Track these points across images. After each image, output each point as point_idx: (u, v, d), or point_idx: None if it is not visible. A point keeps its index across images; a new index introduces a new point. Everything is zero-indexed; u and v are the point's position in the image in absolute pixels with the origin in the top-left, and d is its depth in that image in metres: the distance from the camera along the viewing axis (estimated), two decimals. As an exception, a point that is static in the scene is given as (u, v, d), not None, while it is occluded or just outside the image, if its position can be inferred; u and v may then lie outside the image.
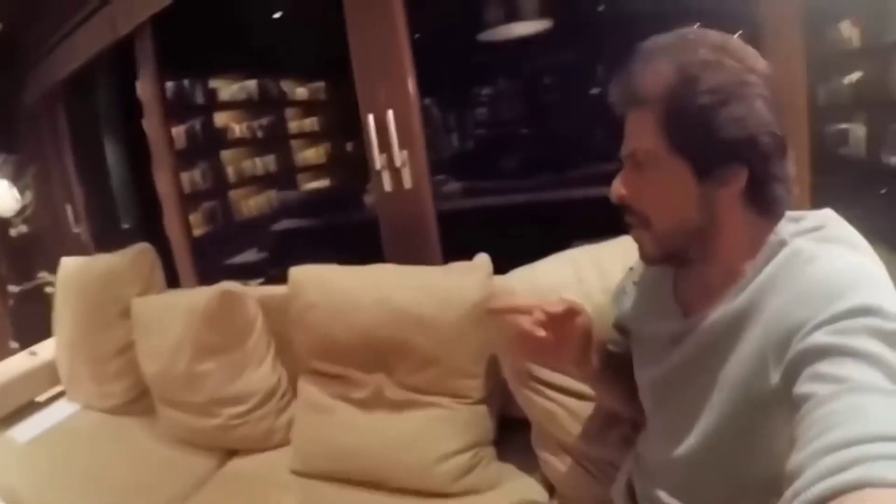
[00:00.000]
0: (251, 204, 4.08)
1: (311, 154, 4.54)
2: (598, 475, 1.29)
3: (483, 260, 1.53)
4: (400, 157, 1.80)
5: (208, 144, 3.75)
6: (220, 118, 3.94)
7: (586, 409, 1.28)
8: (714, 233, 0.79)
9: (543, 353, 0.97)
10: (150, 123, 2.32)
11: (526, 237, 1.45)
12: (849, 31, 3.51)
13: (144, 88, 2.28)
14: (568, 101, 3.68)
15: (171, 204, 2.39)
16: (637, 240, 0.85)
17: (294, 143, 4.49)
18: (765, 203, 0.77)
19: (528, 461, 1.45)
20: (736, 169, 0.74)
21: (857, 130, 3.22)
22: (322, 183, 4.50)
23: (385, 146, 1.81)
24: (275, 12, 3.45)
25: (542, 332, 0.93)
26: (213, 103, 3.86)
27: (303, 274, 1.61)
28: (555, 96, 3.81)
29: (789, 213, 0.79)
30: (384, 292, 1.50)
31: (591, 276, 1.29)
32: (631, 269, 1.07)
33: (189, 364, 1.63)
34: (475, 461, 1.44)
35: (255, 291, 1.72)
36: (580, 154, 3.11)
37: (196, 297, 1.66)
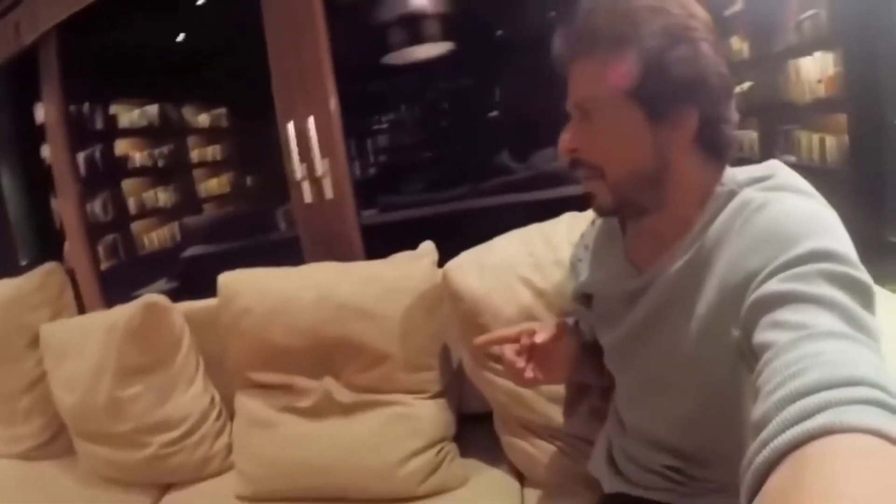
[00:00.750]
0: (154, 237, 3.87)
1: (213, 184, 4.40)
2: (569, 451, 1.26)
3: (428, 247, 1.49)
4: (321, 166, 1.75)
5: (109, 174, 3.52)
6: (121, 146, 3.74)
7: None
8: (667, 178, 0.79)
9: (534, 380, 0.98)
10: (54, 148, 2.14)
11: (449, 244, 1.43)
12: (738, 44, 3.80)
13: (49, 109, 2.10)
14: (468, 124, 3.79)
15: (77, 235, 2.19)
16: (591, 191, 0.83)
17: (196, 172, 4.30)
18: (715, 145, 0.78)
19: (491, 453, 1.39)
20: (688, 110, 0.75)
21: (750, 135, 3.47)
22: (229, 209, 4.37)
23: (305, 155, 1.76)
24: (178, 35, 3.32)
25: (522, 363, 0.96)
26: (113, 130, 3.63)
27: (233, 279, 1.49)
28: (455, 120, 3.91)
29: (736, 168, 0.80)
30: (325, 288, 1.41)
31: (541, 249, 1.28)
32: (582, 235, 1.07)
33: (111, 390, 1.44)
34: (440, 458, 1.36)
35: (180, 306, 1.57)
36: (484, 173, 3.21)
37: (116, 315, 1.48)
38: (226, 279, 1.48)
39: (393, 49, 3.36)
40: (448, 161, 3.79)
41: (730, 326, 0.69)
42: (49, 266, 1.79)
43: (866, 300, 0.59)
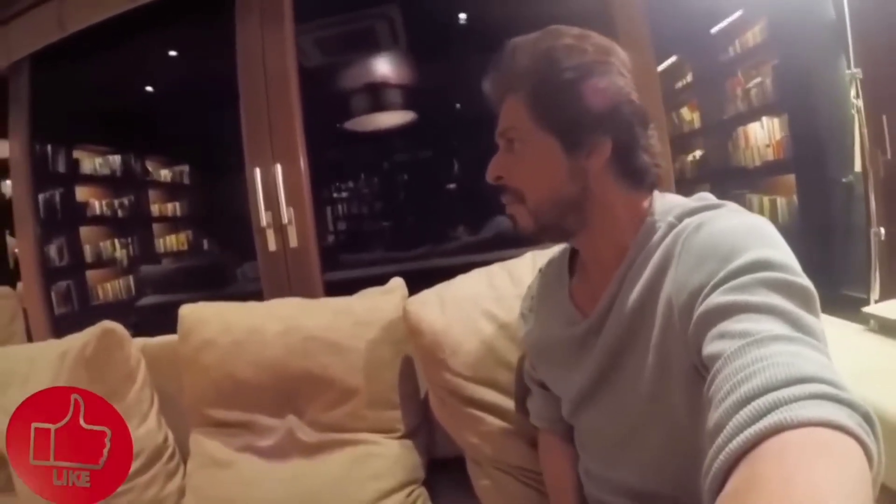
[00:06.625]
0: (108, 288, 3.80)
1: (172, 240, 4.35)
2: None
3: (397, 282, 1.48)
4: (287, 214, 1.77)
5: (67, 218, 3.47)
6: (81, 192, 3.70)
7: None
8: (587, 203, 0.83)
9: None
10: (17, 186, 2.09)
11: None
12: (689, 114, 3.98)
13: (13, 145, 2.07)
14: (426, 196, 3.86)
15: (33, 277, 2.12)
16: (513, 215, 0.88)
17: (155, 227, 4.30)
18: (633, 172, 0.82)
19: (464, 501, 1.29)
20: (601, 138, 0.80)
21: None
22: (189, 262, 4.30)
23: (271, 203, 1.78)
24: (148, 84, 3.32)
25: None
26: (75, 174, 3.61)
27: (195, 311, 1.44)
28: (413, 192, 3.97)
29: (672, 200, 0.83)
30: (293, 321, 1.38)
31: (504, 283, 1.30)
32: (529, 287, 1.10)
33: (58, 420, 1.35)
34: (411, 502, 1.29)
35: (137, 341, 1.48)
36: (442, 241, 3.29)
37: (68, 342, 1.39)
38: (187, 311, 1.43)
39: (356, 115, 3.47)
40: (406, 231, 3.87)
41: (681, 347, 0.69)
42: (2, 290, 1.70)
43: (807, 303, 0.60)
